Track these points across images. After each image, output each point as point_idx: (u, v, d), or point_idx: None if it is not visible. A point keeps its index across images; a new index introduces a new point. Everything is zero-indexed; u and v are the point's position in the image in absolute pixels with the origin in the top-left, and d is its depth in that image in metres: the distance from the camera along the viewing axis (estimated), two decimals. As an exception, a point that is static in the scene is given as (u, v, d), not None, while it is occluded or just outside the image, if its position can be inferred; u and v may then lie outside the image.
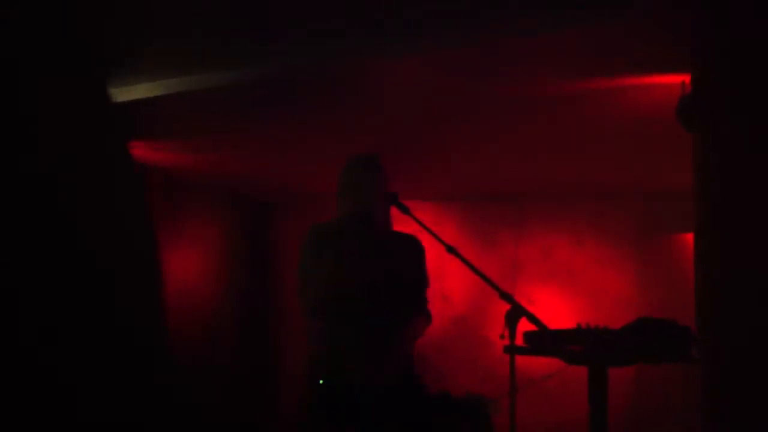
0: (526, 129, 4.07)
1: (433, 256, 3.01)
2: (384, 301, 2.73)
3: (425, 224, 2.75)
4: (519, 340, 2.52)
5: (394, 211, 2.85)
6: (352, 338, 2.68)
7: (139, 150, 4.70)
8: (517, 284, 5.33)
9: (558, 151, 4.48)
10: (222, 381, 5.82)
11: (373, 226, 2.83)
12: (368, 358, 2.65)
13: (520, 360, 2.54)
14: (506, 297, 2.47)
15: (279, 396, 5.99)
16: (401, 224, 3.01)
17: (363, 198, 2.81)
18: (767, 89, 2.40)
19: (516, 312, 2.44)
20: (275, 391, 6.04)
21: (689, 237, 5.05)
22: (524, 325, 2.53)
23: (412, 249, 2.90)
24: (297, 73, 3.40)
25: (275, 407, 5.96)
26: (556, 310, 5.24)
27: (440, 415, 2.64)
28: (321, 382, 2.62)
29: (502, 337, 2.46)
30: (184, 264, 5.78)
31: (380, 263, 2.79)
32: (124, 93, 3.56)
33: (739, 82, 2.43)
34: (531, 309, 2.53)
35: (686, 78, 2.68)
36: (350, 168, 2.90)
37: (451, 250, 2.61)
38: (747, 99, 2.51)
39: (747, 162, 2.56)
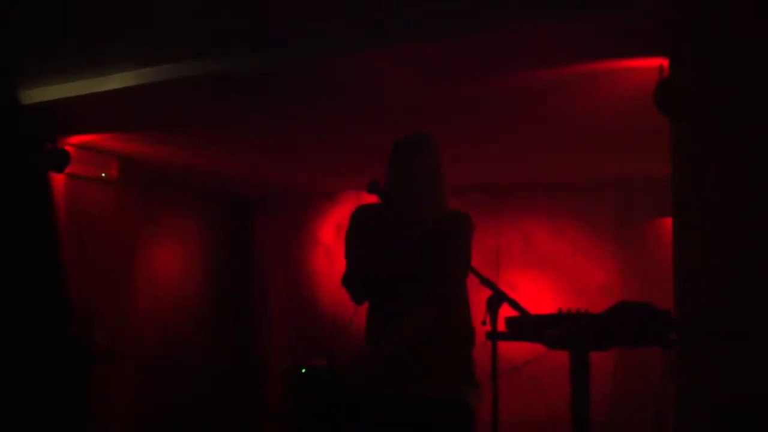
0: (505, 119, 4.09)
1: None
2: (414, 289, 2.67)
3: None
4: (501, 327, 2.52)
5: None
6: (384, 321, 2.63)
7: (114, 142, 4.66)
8: (499, 272, 5.34)
9: (537, 140, 4.49)
10: (205, 374, 5.79)
11: (420, 210, 2.71)
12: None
13: (503, 347, 2.54)
14: (487, 283, 2.46)
15: (262, 387, 5.97)
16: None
17: (409, 180, 2.68)
18: (745, 73, 2.41)
19: (497, 298, 2.43)
20: (258, 382, 6.02)
21: (667, 222, 5.10)
22: (506, 312, 2.53)
23: (454, 228, 2.75)
24: (282, 69, 3.38)
25: (259, 398, 5.94)
26: (538, 297, 5.26)
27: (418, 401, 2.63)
28: (303, 371, 2.60)
29: (483, 323, 2.45)
30: (165, 258, 5.74)
31: (417, 250, 2.72)
32: (98, 84, 3.52)
33: (717, 66, 2.44)
34: (513, 296, 2.53)
35: (664, 62, 2.69)
36: (398, 149, 2.76)
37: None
38: (724, 83, 2.52)
39: (723, 146, 2.58)
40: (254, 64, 3.34)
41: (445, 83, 3.52)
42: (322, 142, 4.66)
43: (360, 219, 2.80)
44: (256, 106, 3.96)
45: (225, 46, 3.21)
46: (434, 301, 2.79)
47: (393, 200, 2.68)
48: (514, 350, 3.00)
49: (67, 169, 4.44)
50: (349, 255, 2.76)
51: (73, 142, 4.57)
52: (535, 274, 5.50)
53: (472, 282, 2.62)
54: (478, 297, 2.68)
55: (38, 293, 0.74)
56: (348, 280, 2.76)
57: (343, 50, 3.16)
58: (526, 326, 2.44)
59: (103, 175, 4.80)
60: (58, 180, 4.62)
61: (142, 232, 5.47)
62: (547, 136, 4.38)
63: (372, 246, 2.71)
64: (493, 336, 2.47)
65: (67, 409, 0.76)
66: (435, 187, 2.73)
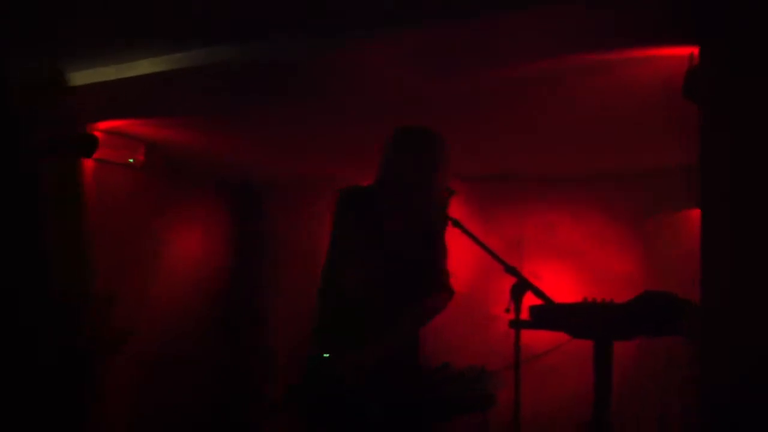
0: (527, 109, 4.07)
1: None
2: (413, 284, 2.68)
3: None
4: (524, 315, 2.53)
5: None
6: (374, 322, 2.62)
7: (142, 127, 4.70)
8: (522, 261, 5.34)
9: (559, 131, 4.47)
10: (214, 360, 5.85)
11: (425, 203, 2.66)
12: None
13: (526, 336, 2.54)
14: (512, 270, 2.47)
15: (272, 377, 6.01)
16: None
17: (420, 171, 2.63)
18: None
19: (522, 286, 2.44)
20: (268, 371, 6.05)
21: (690, 213, 5.06)
22: (529, 300, 2.53)
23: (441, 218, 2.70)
24: (291, 56, 3.39)
25: (267, 386, 5.98)
26: (561, 286, 5.25)
27: (440, 385, 2.64)
28: (326, 356, 2.61)
29: (507, 311, 2.46)
30: (185, 244, 5.79)
31: (417, 246, 2.71)
32: (127, 69, 3.56)
33: (749, 53, 2.41)
34: (536, 285, 2.53)
35: (695, 50, 2.66)
36: (418, 137, 2.69)
37: (456, 223, 2.61)
38: (756, 72, 2.50)
39: (756, 136, 2.55)
40: (281, 52, 3.36)
41: (465, 70, 3.50)
42: (338, 130, 4.67)
43: (355, 206, 2.69)
44: (280, 94, 3.98)
45: (254, 33, 3.23)
46: (451, 291, 2.81)
47: (402, 188, 2.65)
48: (538, 340, 3.01)
49: (96, 155, 4.50)
50: (347, 251, 2.64)
51: (102, 127, 4.62)
52: (558, 264, 5.49)
53: (496, 269, 2.63)
54: (501, 287, 2.68)
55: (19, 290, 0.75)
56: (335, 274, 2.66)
57: (350, 38, 3.15)
58: (550, 314, 2.45)
59: (131, 160, 4.85)
60: (87, 165, 4.68)
61: (165, 217, 5.53)
62: (570, 126, 4.36)
63: (372, 242, 2.66)
64: (517, 324, 2.48)
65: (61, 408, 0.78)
66: (445, 181, 2.70)
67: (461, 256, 5.33)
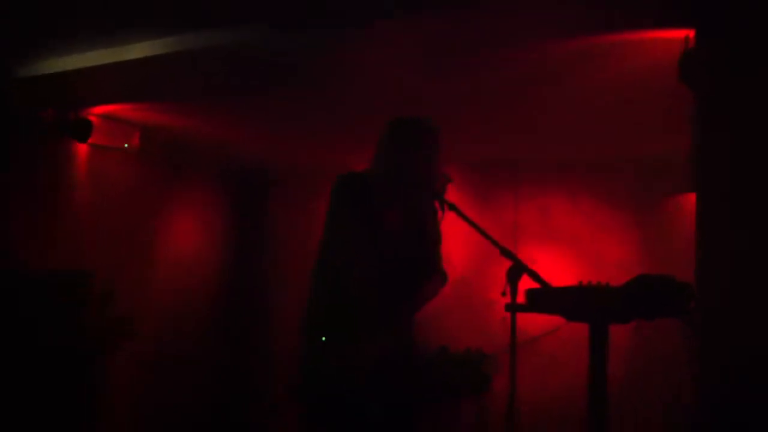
0: (522, 95, 4.06)
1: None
2: (411, 272, 2.67)
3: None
4: (520, 299, 2.52)
5: None
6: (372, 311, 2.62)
7: (136, 112, 4.68)
8: (518, 246, 5.35)
9: (555, 116, 4.46)
10: (219, 349, 5.84)
11: (420, 193, 2.65)
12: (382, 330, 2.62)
13: (522, 320, 2.54)
14: (507, 254, 2.46)
15: (275, 363, 6.02)
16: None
17: (422, 161, 2.60)
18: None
19: (518, 269, 2.43)
20: (268, 370, 6.05)
21: (685, 197, 5.07)
22: (525, 284, 2.53)
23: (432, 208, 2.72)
24: (289, 43, 3.37)
25: (271, 375, 5.98)
26: (556, 271, 5.26)
27: (438, 367, 2.64)
28: (323, 339, 2.61)
29: (503, 294, 2.45)
30: (182, 231, 5.78)
31: (413, 234, 2.71)
32: (121, 53, 3.53)
33: (744, 37, 2.41)
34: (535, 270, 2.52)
35: (690, 33, 2.65)
36: (418, 128, 2.66)
37: (452, 207, 2.60)
38: (751, 56, 2.49)
39: (747, 119, 2.55)
40: (275, 39, 3.33)
41: (460, 57, 3.50)
42: (336, 117, 4.66)
43: (355, 192, 2.65)
44: (274, 80, 3.96)
45: (246, 18, 3.21)
46: (444, 276, 2.81)
47: (398, 178, 2.64)
48: (533, 324, 3.01)
49: (90, 139, 4.48)
50: (339, 236, 2.63)
51: (97, 112, 4.60)
52: (553, 248, 5.50)
53: (492, 254, 2.62)
54: (496, 272, 2.68)
55: None
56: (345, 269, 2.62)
57: (361, 24, 3.13)
58: (546, 298, 2.44)
59: (126, 145, 4.83)
60: (81, 150, 4.66)
61: (161, 203, 5.51)
62: (566, 111, 4.36)
63: (370, 227, 2.64)
64: (513, 308, 2.47)
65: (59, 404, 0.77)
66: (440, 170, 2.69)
67: (457, 241, 5.35)
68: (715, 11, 2.51)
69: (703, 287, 2.53)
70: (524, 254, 5.17)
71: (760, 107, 2.50)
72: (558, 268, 5.37)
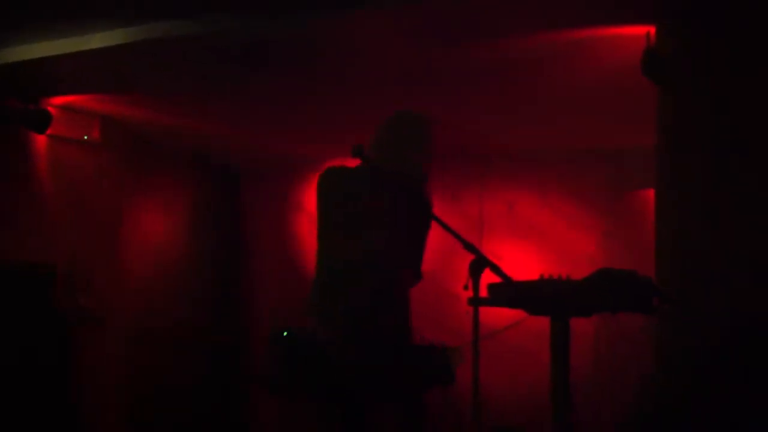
0: (489, 88, 4.07)
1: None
2: (396, 267, 2.70)
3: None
4: (483, 292, 2.53)
5: None
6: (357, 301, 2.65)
7: (97, 103, 4.61)
8: (483, 240, 5.36)
9: (522, 109, 4.48)
10: (193, 341, 5.80)
11: (415, 188, 2.72)
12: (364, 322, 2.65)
13: (486, 313, 2.55)
14: (470, 248, 2.47)
15: (250, 357, 5.99)
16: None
17: (415, 156, 2.69)
18: (733, 41, 2.41)
19: (480, 263, 2.44)
20: (246, 352, 6.03)
21: (651, 193, 5.12)
22: (488, 278, 2.54)
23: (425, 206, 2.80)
24: (266, 33, 3.34)
25: (246, 367, 5.95)
26: (522, 265, 5.29)
27: (399, 359, 2.65)
28: (285, 334, 2.61)
29: (465, 288, 2.46)
30: (150, 222, 5.70)
31: (403, 229, 2.73)
32: (81, 42, 3.46)
33: (704, 33, 2.43)
34: (497, 264, 2.53)
35: (651, 29, 2.67)
36: (407, 121, 2.73)
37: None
38: (711, 51, 2.51)
39: (706, 116, 2.58)
40: (242, 26, 3.30)
41: (428, 50, 3.50)
42: (307, 108, 4.63)
43: (343, 185, 2.74)
44: (242, 71, 3.92)
45: (211, 6, 3.16)
46: (418, 274, 2.84)
47: (385, 168, 2.66)
48: (497, 318, 3.03)
49: (49, 130, 4.39)
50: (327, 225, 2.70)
51: (56, 102, 4.51)
52: (519, 242, 5.52)
53: (454, 247, 2.63)
54: (461, 266, 2.69)
55: None
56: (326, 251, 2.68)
57: (332, 12, 3.12)
58: (507, 292, 2.45)
59: (86, 137, 4.75)
60: (39, 141, 4.57)
61: (127, 195, 5.43)
62: (533, 104, 4.37)
63: (360, 222, 2.69)
64: (475, 302, 2.48)
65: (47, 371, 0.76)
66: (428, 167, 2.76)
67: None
68: (674, 8, 2.53)
69: (660, 282, 2.55)
70: (489, 247, 5.23)
71: (717, 102, 2.53)
72: (524, 261, 5.40)
